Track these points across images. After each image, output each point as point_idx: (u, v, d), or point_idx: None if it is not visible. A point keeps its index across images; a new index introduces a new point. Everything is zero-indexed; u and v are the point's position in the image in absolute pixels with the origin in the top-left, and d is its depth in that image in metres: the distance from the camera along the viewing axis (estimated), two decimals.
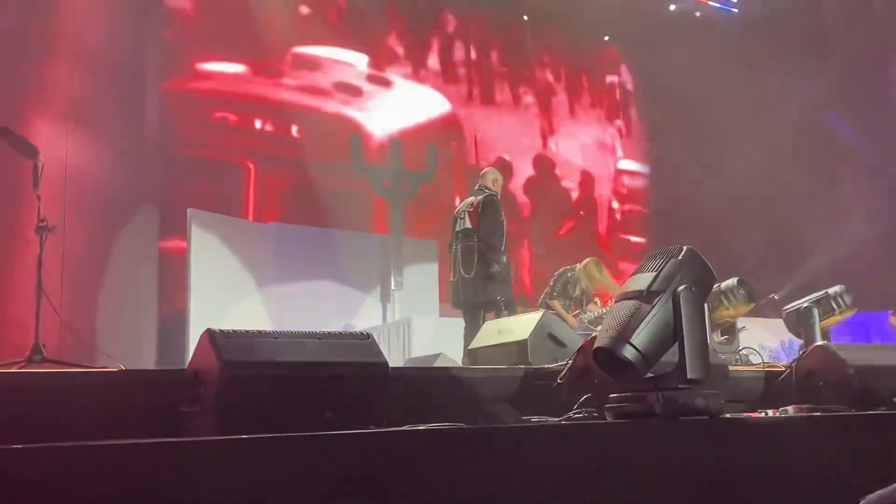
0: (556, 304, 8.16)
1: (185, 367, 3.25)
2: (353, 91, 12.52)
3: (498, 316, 6.86)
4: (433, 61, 13.56)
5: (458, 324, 8.28)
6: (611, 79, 15.56)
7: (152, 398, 3.21)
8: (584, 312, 8.17)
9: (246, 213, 11.18)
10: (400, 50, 13.15)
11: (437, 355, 6.70)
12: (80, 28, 8.68)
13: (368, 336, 3.51)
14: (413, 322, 8.39)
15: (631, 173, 15.43)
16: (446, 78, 13.56)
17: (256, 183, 11.29)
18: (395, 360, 8.11)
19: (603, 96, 15.48)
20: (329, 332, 3.47)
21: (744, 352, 5.90)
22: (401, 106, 12.81)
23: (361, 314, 9.81)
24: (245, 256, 9.35)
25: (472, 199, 7.35)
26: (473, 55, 14.01)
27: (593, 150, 15.24)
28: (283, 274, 9.26)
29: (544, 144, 14.59)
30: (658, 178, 15.22)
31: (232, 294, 8.97)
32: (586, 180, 14.90)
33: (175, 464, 2.36)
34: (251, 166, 11.34)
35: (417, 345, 8.20)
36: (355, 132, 10.50)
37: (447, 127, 13.37)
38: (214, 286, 9.00)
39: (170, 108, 10.21)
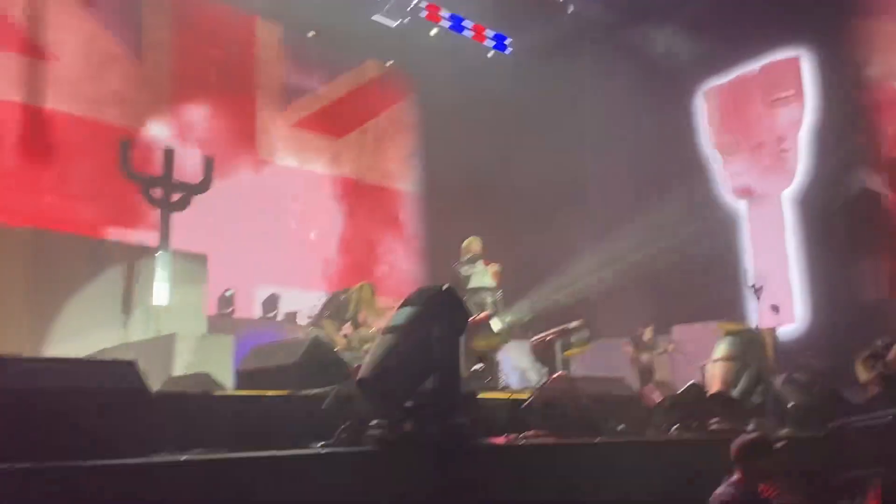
0: (328, 324, 8.26)
1: None
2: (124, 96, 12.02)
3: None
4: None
5: (224, 342, 8.17)
6: (386, 106, 15.95)
7: None
8: (354, 334, 8.35)
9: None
10: (173, 63, 12.79)
11: (201, 374, 6.57)
12: None
13: (131, 363, 3.46)
14: (177, 339, 8.11)
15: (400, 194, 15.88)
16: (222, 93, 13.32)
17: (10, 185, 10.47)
18: (156, 377, 7.81)
19: (383, 121, 15.87)
20: (88, 359, 3.39)
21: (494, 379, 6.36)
22: (174, 115, 12.44)
23: (124, 329, 9.33)
24: None
25: (482, 260, 9.08)
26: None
27: (376, 173, 15.58)
28: (39, 285, 8.58)
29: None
30: (429, 201, 15.78)
31: None
32: (372, 201, 15.18)
33: None
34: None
35: (181, 363, 7.92)
36: (126, 138, 10.01)
37: (223, 139, 13.12)
38: None
39: None
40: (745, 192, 14.79)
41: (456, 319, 3.76)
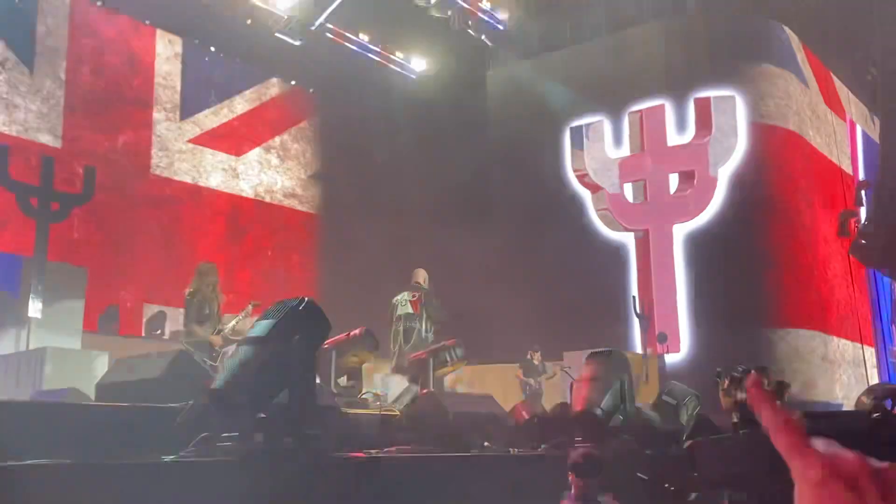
0: (197, 328, 8.11)
1: None
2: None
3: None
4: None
5: (98, 358, 7.95)
6: (289, 124, 15.86)
7: None
8: (226, 329, 8.26)
9: None
10: (67, 70, 12.44)
11: (68, 390, 6.37)
12: None
13: None
14: (48, 353, 7.81)
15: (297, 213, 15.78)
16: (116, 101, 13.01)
17: None
18: (24, 391, 7.55)
19: (285, 140, 15.76)
20: None
21: (365, 395, 6.36)
22: (64, 124, 12.09)
23: None
24: None
25: (408, 292, 9.47)
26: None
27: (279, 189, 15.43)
28: None
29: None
30: (328, 222, 15.73)
31: None
32: (270, 220, 15.00)
33: None
34: None
35: (51, 377, 7.64)
36: (6, 144, 9.65)
37: (116, 150, 12.81)
38: None
39: None
40: (632, 225, 15.29)
41: (314, 332, 3.76)
